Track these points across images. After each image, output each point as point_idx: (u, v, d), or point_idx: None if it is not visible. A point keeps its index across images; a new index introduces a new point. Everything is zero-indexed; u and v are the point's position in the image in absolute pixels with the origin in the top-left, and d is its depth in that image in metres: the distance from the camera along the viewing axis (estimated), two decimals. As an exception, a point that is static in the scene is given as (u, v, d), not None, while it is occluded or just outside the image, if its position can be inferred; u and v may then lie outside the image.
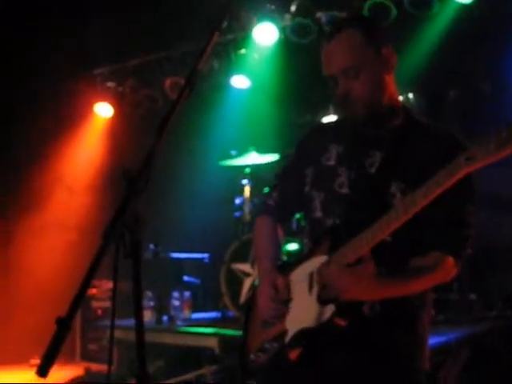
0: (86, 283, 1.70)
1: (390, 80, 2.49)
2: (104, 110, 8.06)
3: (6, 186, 7.59)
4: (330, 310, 2.26)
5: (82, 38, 7.39)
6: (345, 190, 2.49)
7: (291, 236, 5.69)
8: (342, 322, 2.25)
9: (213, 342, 5.30)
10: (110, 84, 7.92)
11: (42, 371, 1.62)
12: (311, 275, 2.39)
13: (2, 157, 7.56)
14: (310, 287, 2.38)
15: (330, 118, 6.96)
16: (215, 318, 6.08)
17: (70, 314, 1.67)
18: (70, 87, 7.64)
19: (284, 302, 2.47)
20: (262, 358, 2.54)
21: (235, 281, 5.76)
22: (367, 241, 2.22)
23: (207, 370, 5.42)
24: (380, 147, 2.46)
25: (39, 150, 7.61)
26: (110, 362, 2.00)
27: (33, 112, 7.54)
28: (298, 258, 2.58)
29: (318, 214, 2.55)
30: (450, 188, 2.09)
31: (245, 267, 5.74)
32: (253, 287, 5.53)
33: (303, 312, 2.38)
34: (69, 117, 7.87)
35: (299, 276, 2.46)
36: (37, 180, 7.67)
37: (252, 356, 2.58)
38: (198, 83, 2.06)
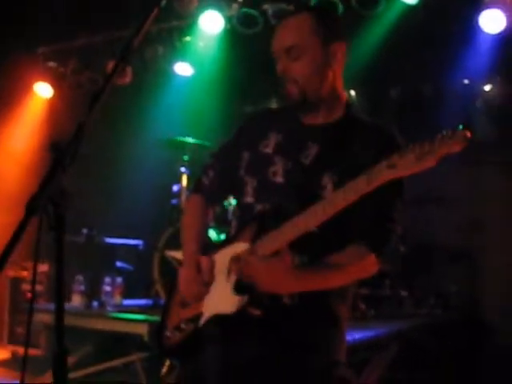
0: (4, 256, 1.64)
1: (335, 74, 2.52)
2: (44, 90, 7.91)
3: None
4: (243, 299, 2.28)
5: (26, 16, 7.24)
6: (278, 179, 2.50)
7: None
8: (255, 312, 2.27)
9: (143, 329, 5.23)
10: (52, 64, 7.77)
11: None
12: (231, 261, 2.40)
13: None
14: (229, 273, 2.38)
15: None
16: (147, 305, 6.03)
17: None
18: (11, 65, 7.48)
19: (205, 283, 2.46)
20: (177, 337, 2.55)
21: (168, 268, 5.72)
22: (289, 232, 2.23)
23: (136, 357, 5.38)
24: (317, 140, 2.48)
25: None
26: (27, 344, 1.95)
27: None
28: (223, 241, 2.58)
29: (249, 199, 2.56)
30: (384, 188, 2.11)
31: (178, 255, 5.66)
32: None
33: (220, 297, 2.39)
34: (8, 94, 7.71)
35: (221, 259, 2.46)
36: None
37: (168, 333, 2.59)
38: (133, 60, 2.03)
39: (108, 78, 1.93)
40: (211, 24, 6.57)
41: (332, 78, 2.51)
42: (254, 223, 2.42)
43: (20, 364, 6.01)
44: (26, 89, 7.90)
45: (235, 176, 2.64)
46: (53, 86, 7.88)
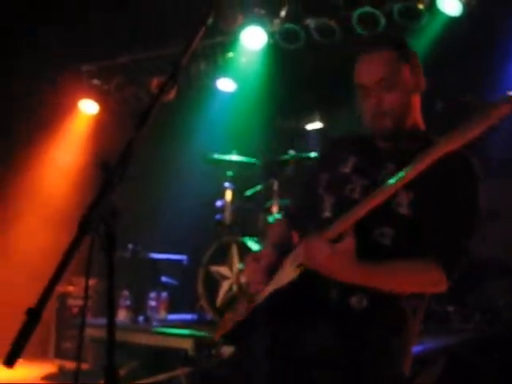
0: (58, 274, 1.67)
1: (416, 102, 2.58)
2: (89, 107, 8.02)
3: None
4: (299, 270, 2.33)
5: (69, 35, 7.36)
6: (355, 196, 2.53)
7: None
8: (297, 271, 2.33)
9: (187, 344, 5.26)
10: (96, 81, 7.89)
11: (9, 361, 1.59)
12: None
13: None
14: (294, 261, 2.42)
15: (314, 126, 6.98)
16: (191, 320, 6.05)
17: (40, 305, 1.64)
18: (56, 82, 7.61)
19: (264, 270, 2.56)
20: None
21: (213, 283, 5.73)
22: (351, 215, 2.25)
23: (181, 372, 5.39)
24: (395, 162, 2.49)
25: (22, 146, 7.59)
26: (79, 359, 1.98)
27: (17, 107, 7.51)
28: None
29: (327, 214, 2.59)
30: (461, 206, 2.32)
31: (223, 270, 5.71)
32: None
33: (280, 279, 2.46)
34: (54, 112, 7.85)
35: (290, 256, 2.52)
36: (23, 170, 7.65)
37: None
38: (180, 78, 2.06)
39: (156, 96, 1.95)
40: (253, 40, 6.61)
41: (415, 107, 2.57)
42: (323, 225, 2.45)
43: (66, 378, 6.06)
44: (71, 106, 8.03)
45: (315, 196, 2.68)
46: (98, 102, 7.99)
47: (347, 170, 2.61)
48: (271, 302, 2.44)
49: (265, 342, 2.40)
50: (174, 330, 5.50)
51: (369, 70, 2.52)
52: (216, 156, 6.19)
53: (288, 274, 2.39)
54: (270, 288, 2.48)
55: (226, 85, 7.36)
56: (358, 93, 2.56)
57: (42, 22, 7.25)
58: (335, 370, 2.32)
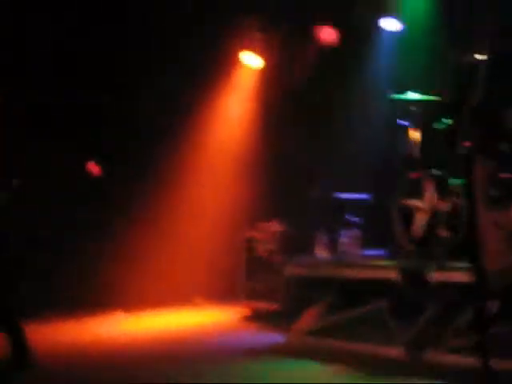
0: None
1: None
2: (252, 60, 8.24)
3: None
4: None
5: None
6: None
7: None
8: None
9: (391, 275, 5.34)
10: (259, 35, 8.06)
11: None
12: None
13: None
14: None
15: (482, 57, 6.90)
16: (386, 254, 6.16)
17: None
18: (218, 35, 7.85)
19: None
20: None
21: (406, 216, 5.80)
22: None
23: (385, 303, 5.50)
24: None
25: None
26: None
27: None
28: None
29: None
30: None
31: (416, 202, 5.74)
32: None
33: None
34: (218, 65, 8.14)
35: None
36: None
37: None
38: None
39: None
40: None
41: None
42: None
43: (261, 319, 6.21)
44: (235, 58, 8.29)
45: None
46: (261, 56, 8.19)
47: None
48: None
49: None
50: (378, 261, 5.64)
51: None
52: (398, 95, 6.21)
53: None
54: None
55: (391, 24, 7.37)
56: None
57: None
58: None
